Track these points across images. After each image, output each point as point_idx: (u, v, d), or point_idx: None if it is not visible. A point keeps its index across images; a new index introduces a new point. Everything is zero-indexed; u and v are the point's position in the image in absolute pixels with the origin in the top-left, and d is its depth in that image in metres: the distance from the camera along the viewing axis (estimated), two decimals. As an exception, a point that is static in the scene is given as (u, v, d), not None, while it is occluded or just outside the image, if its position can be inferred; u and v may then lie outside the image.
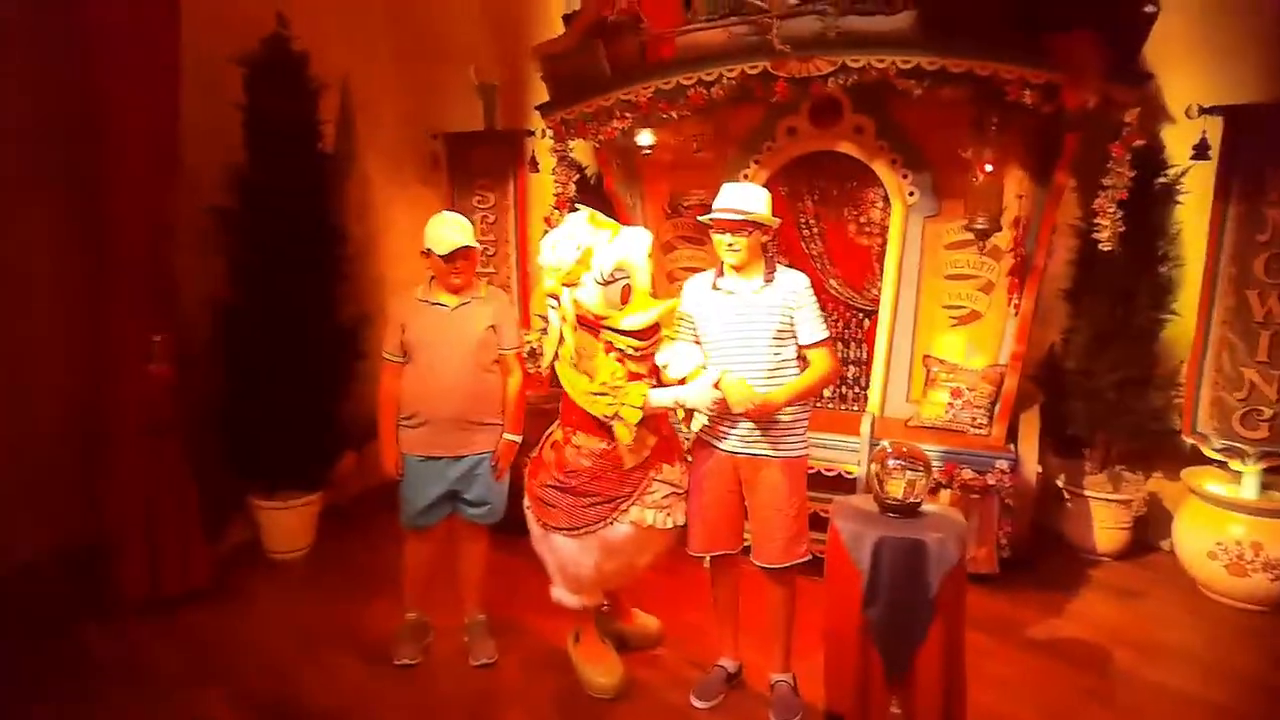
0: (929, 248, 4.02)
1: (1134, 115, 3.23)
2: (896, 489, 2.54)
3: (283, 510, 4.00)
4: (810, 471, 2.96)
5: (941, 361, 3.95)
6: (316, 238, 3.97)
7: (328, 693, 2.96)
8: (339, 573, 3.93)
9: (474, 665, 3.10)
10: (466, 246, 2.94)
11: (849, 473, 3.68)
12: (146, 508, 3.43)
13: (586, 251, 2.68)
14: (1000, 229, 3.77)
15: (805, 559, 2.76)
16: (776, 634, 2.84)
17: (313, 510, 4.11)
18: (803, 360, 2.76)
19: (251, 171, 3.81)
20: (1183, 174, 3.82)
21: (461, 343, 2.96)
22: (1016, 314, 3.74)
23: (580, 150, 4.47)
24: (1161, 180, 3.85)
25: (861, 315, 4.34)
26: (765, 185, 3.87)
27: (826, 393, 4.32)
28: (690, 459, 2.91)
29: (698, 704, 2.85)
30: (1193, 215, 3.84)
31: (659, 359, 2.78)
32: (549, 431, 2.96)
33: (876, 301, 4.14)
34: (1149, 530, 4.09)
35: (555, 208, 4.19)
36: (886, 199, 4.10)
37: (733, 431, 2.72)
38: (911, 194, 4.00)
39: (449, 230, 2.94)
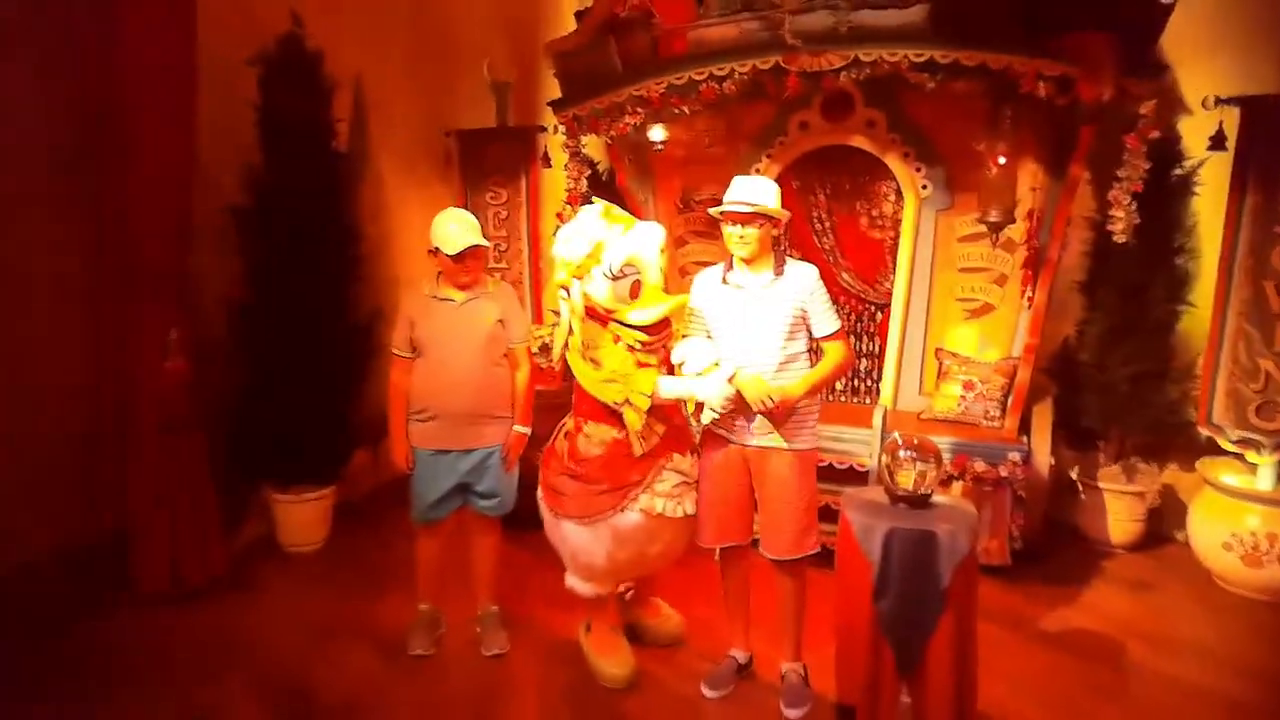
0: (942, 241, 4.02)
1: (1150, 107, 3.21)
2: (907, 480, 2.55)
3: (297, 504, 4.05)
4: (822, 464, 2.97)
5: (954, 354, 3.95)
6: (331, 236, 4.01)
7: (342, 683, 3.00)
8: (353, 567, 3.97)
9: (486, 656, 3.13)
10: (475, 245, 2.96)
11: (861, 465, 3.69)
12: (166, 501, 3.48)
13: (597, 245, 2.72)
14: (1014, 221, 3.76)
15: (815, 551, 2.78)
16: (787, 625, 2.86)
17: (327, 504, 4.16)
18: (815, 353, 2.78)
19: (266, 170, 3.86)
20: (1199, 166, 3.80)
21: (471, 337, 2.99)
22: (1030, 306, 3.74)
23: (592, 146, 4.48)
24: (1178, 172, 3.84)
25: (874, 309, 4.35)
26: (777, 180, 3.88)
27: (839, 385, 4.33)
28: (700, 451, 2.92)
29: (708, 694, 2.87)
30: (1209, 207, 3.82)
31: (674, 356, 2.79)
32: (562, 422, 2.99)
33: (889, 295, 4.14)
34: (1163, 522, 4.08)
35: (567, 203, 4.20)
36: (899, 192, 4.10)
37: (743, 424, 2.74)
38: (924, 187, 3.99)
39: (457, 229, 2.96)
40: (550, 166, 4.69)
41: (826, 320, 2.72)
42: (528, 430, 3.12)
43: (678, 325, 2.84)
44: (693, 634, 3.22)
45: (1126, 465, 4.03)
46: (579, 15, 4.09)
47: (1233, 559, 3.53)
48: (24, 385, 3.39)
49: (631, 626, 3.19)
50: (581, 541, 2.84)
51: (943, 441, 3.28)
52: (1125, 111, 3.27)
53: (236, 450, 3.88)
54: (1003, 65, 3.18)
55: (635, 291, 2.73)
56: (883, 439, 3.59)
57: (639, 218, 2.99)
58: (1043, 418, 3.76)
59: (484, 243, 3.01)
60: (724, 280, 2.80)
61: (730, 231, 2.72)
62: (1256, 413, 3.57)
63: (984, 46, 3.18)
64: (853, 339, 4.31)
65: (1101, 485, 4.00)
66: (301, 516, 4.09)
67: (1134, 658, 3.14)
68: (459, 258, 2.93)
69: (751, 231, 2.69)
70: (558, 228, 4.21)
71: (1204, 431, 3.77)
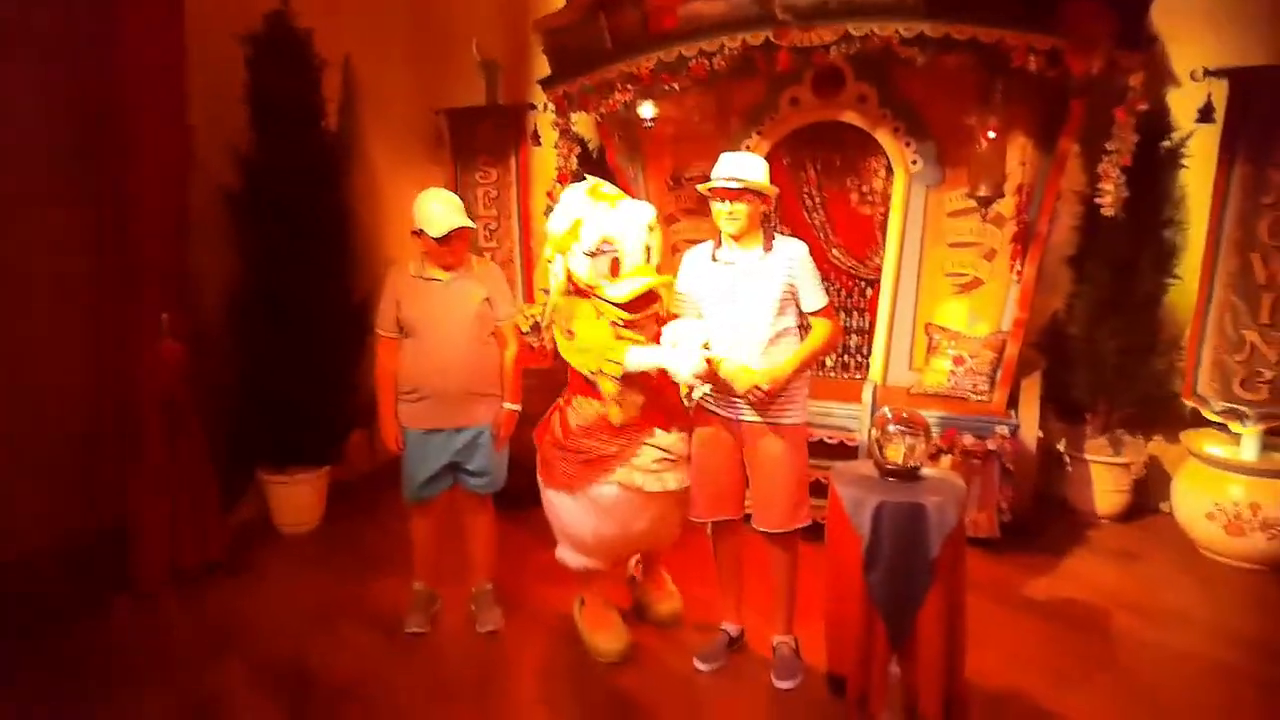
0: (931, 216, 4.02)
1: (1139, 79, 3.22)
2: (896, 454, 2.58)
3: (291, 485, 4.07)
4: (812, 439, 3.00)
5: (944, 329, 3.98)
6: (322, 215, 3.99)
7: (340, 663, 3.03)
8: (348, 548, 3.99)
9: (480, 633, 3.17)
10: (461, 227, 2.95)
11: (852, 440, 3.73)
12: (165, 486, 3.49)
13: (576, 222, 2.75)
14: (1003, 196, 3.78)
15: (806, 524, 2.81)
16: (779, 598, 2.90)
17: (321, 485, 4.17)
18: (805, 329, 2.80)
19: (256, 151, 3.83)
20: (1187, 138, 3.81)
21: (459, 316, 2.99)
22: (1019, 281, 3.76)
23: (582, 124, 4.47)
24: (1166, 144, 3.84)
25: (864, 284, 4.36)
26: (768, 156, 3.90)
27: (829, 361, 4.35)
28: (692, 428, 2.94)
29: (701, 667, 2.92)
30: (1197, 179, 3.83)
31: (664, 337, 2.79)
32: (558, 399, 3.02)
33: (879, 271, 4.15)
34: (1148, 493, 4.13)
35: (558, 181, 4.20)
36: (889, 168, 4.10)
37: (734, 398, 2.76)
38: (914, 162, 3.99)
39: (442, 210, 2.93)
40: (540, 145, 4.67)
41: (815, 296, 2.74)
42: (518, 407, 3.14)
43: (666, 304, 2.84)
44: (687, 607, 3.25)
45: (1113, 437, 4.08)
46: (568, -9, 4.06)
47: (1216, 528, 3.59)
48: (23, 382, 3.40)
49: (637, 603, 3.25)
50: (566, 513, 2.89)
51: (932, 416, 3.32)
52: (1114, 84, 3.27)
53: (232, 432, 3.89)
54: (994, 39, 3.18)
55: (614, 269, 2.74)
56: (873, 414, 3.63)
57: (630, 195, 2.98)
58: (1031, 391, 3.79)
59: (470, 224, 3.00)
60: (713, 257, 2.81)
61: (719, 208, 2.73)
62: (1241, 384, 3.62)
63: (975, 20, 3.18)
64: (843, 315, 4.33)
65: (1088, 457, 4.05)
66: (296, 498, 4.10)
67: (1121, 626, 3.20)
68: (445, 239, 2.92)
69: (740, 208, 2.69)
70: (548, 207, 4.23)
71: (1189, 403, 3.82)
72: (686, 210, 4.54)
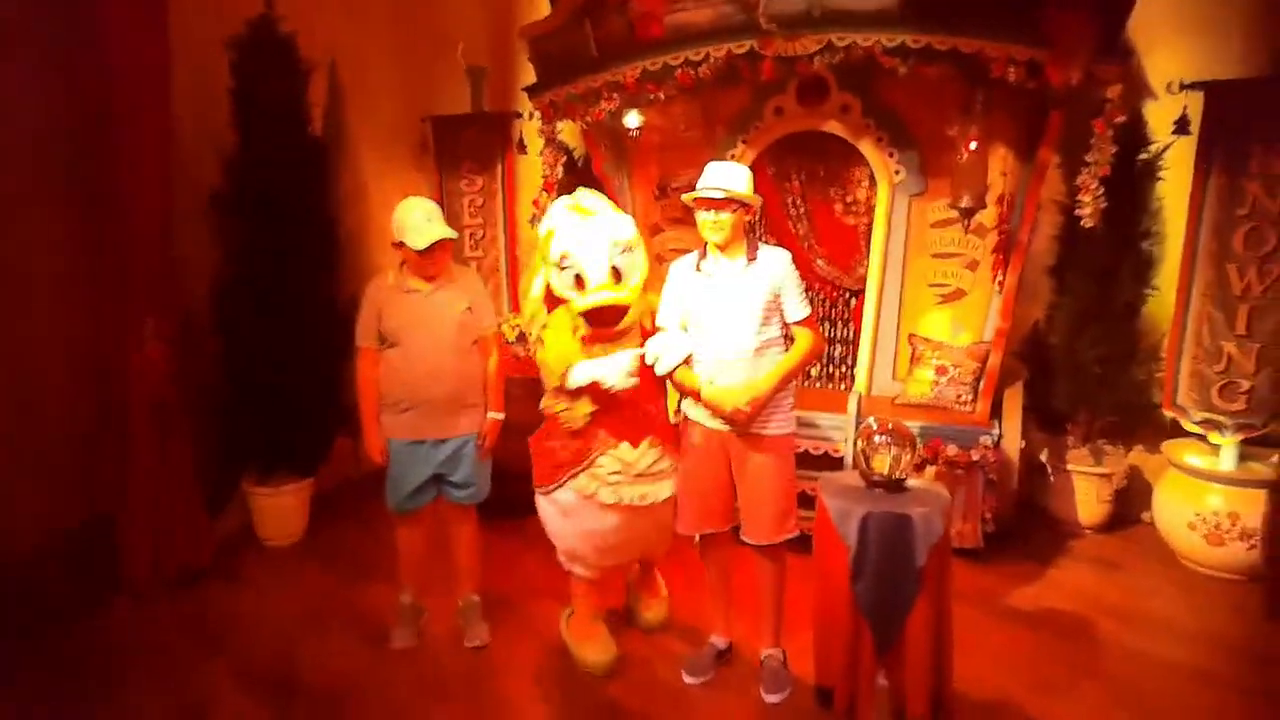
0: (915, 226, 4.05)
1: (1116, 92, 3.26)
2: (882, 464, 2.58)
3: (276, 497, 4.02)
4: (797, 450, 2.99)
5: (927, 339, 4.00)
6: (308, 221, 3.96)
7: (328, 671, 3.00)
8: (334, 558, 3.95)
9: (468, 647, 3.14)
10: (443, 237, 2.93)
11: (837, 451, 3.73)
12: (152, 492, 3.46)
13: (549, 233, 2.80)
14: (985, 206, 3.80)
15: (794, 535, 2.80)
16: (766, 610, 2.89)
17: (305, 497, 4.12)
18: (789, 338, 2.79)
19: (242, 155, 3.79)
20: (1164, 150, 3.86)
21: (442, 327, 2.97)
22: (1001, 291, 3.79)
23: (568, 132, 4.46)
24: (1143, 156, 3.89)
25: (848, 294, 4.38)
26: (753, 165, 3.90)
27: (814, 372, 4.36)
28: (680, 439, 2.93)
29: (689, 680, 2.90)
30: (1174, 190, 3.88)
31: (648, 350, 2.79)
32: None
33: (863, 281, 4.17)
34: (1130, 503, 4.16)
35: (543, 190, 4.18)
36: (872, 178, 4.12)
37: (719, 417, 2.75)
38: (897, 173, 4.02)
39: (424, 222, 2.90)
40: (526, 153, 4.65)
41: (798, 306, 2.74)
42: (501, 416, 3.12)
43: (637, 319, 2.83)
44: (674, 619, 3.25)
45: (1094, 448, 4.11)
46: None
47: (1196, 538, 3.62)
48: (17, 382, 3.36)
49: (628, 606, 3.26)
50: (542, 513, 2.95)
51: (916, 426, 3.32)
52: (1092, 96, 3.31)
53: (218, 439, 3.85)
54: (974, 50, 3.21)
55: (579, 283, 2.74)
56: (857, 424, 3.63)
57: (616, 204, 2.98)
58: (1014, 401, 3.81)
59: (452, 234, 2.98)
60: (698, 268, 2.81)
61: (704, 218, 2.73)
62: (1219, 394, 3.66)
63: (955, 31, 3.20)
64: (827, 325, 4.35)
65: (1070, 468, 4.07)
66: (280, 509, 4.05)
67: (1105, 634, 3.22)
68: (427, 250, 2.89)
69: (725, 217, 2.69)
70: (534, 215, 4.22)
71: (1169, 413, 3.86)
72: (673, 219, 4.54)
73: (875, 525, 2.44)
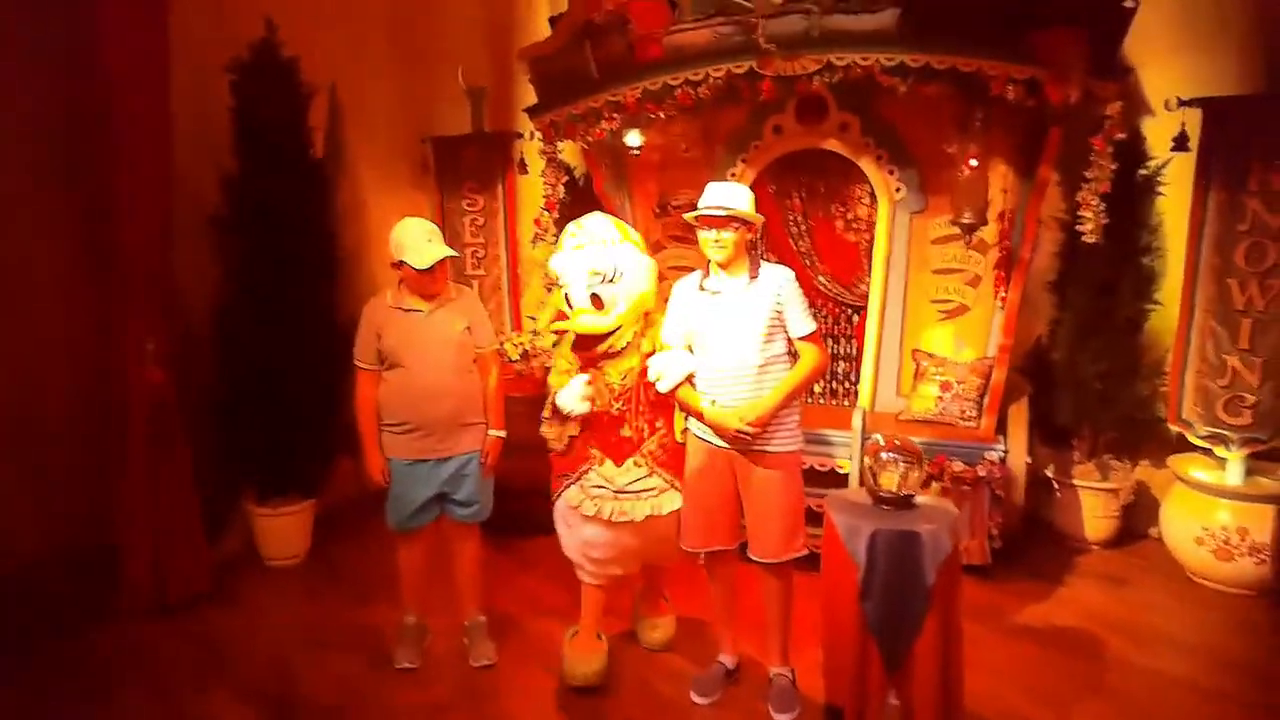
0: (916, 243, 4.05)
1: (1116, 109, 3.28)
2: (890, 481, 2.57)
3: (277, 517, 3.99)
4: (803, 467, 2.98)
5: (930, 355, 3.99)
6: (309, 243, 3.97)
7: (331, 693, 2.98)
8: (336, 578, 3.93)
9: (474, 667, 3.11)
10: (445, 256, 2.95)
11: (841, 468, 3.71)
12: (150, 514, 3.44)
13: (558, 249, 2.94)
14: (986, 223, 3.81)
15: (802, 553, 2.79)
16: (774, 629, 2.86)
17: (307, 517, 4.10)
18: (794, 355, 2.79)
19: (244, 178, 3.81)
20: (1163, 166, 3.88)
21: (442, 346, 2.97)
22: (1003, 307, 3.79)
23: (569, 151, 4.49)
24: (1142, 172, 3.91)
25: (850, 311, 4.38)
26: (753, 184, 3.92)
27: (817, 388, 4.35)
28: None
29: (697, 700, 2.87)
30: (1173, 206, 3.89)
31: (650, 370, 2.81)
32: None
33: (865, 297, 4.17)
34: (1137, 518, 4.14)
35: (545, 209, 4.20)
36: (873, 195, 4.14)
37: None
38: (898, 190, 4.03)
39: (424, 241, 2.92)
40: (526, 173, 4.67)
41: (802, 321, 2.74)
42: (503, 434, 3.12)
43: (623, 346, 2.86)
44: (682, 638, 3.22)
45: (1100, 463, 4.09)
46: (553, 21, 4.09)
47: (1205, 553, 3.60)
48: (20, 393, 3.36)
49: (633, 627, 3.26)
50: (555, 520, 3.04)
51: (921, 442, 3.29)
52: (1091, 113, 3.33)
53: (218, 461, 3.83)
54: (973, 68, 3.22)
55: (569, 302, 2.85)
56: (863, 440, 3.62)
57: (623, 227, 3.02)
58: (1018, 417, 3.81)
59: (453, 253, 3.00)
60: (701, 287, 2.81)
61: (705, 236, 2.74)
62: (1224, 408, 3.65)
63: (954, 50, 3.22)
64: (830, 341, 4.34)
65: (1076, 483, 4.06)
66: (282, 530, 4.03)
67: (1114, 651, 3.19)
68: (428, 270, 2.90)
69: (727, 236, 2.70)
70: (535, 234, 4.23)
71: (1174, 428, 3.85)
72: (674, 237, 4.54)
73: (884, 543, 2.43)
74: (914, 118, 3.88)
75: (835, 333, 4.40)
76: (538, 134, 4.14)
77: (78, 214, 3.48)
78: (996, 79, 3.21)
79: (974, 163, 3.66)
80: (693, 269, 2.97)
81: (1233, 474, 3.65)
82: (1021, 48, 3.17)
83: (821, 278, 4.40)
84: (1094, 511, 4.05)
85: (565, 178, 4.34)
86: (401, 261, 2.92)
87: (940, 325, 4.07)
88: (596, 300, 2.82)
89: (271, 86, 3.83)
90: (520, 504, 3.70)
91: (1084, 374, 3.99)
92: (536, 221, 4.23)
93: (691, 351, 2.82)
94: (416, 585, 3.20)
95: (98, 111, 3.28)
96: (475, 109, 4.84)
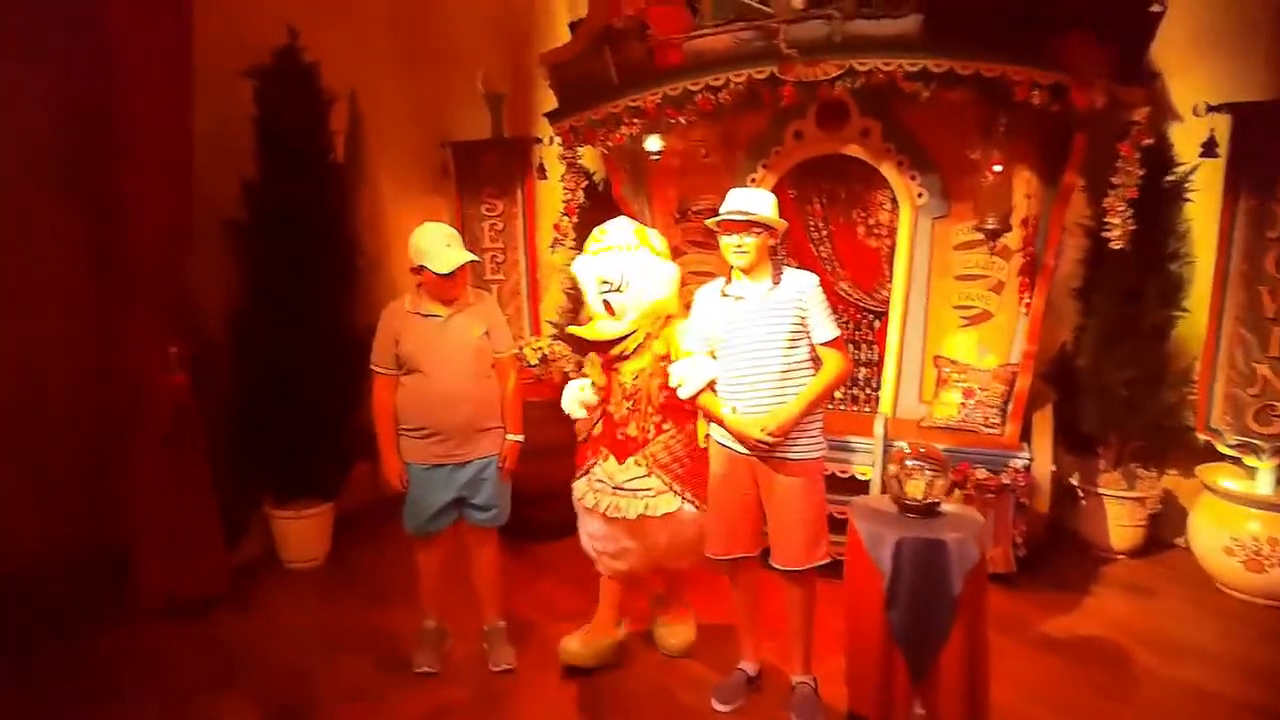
0: (938, 248, 4.02)
1: (1143, 114, 3.24)
2: (916, 489, 2.54)
3: (297, 520, 4.01)
4: (825, 473, 2.96)
5: (953, 362, 3.96)
6: (329, 248, 3.99)
7: (348, 697, 2.99)
8: (355, 581, 3.94)
9: (494, 671, 3.11)
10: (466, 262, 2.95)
11: (862, 475, 3.68)
12: (166, 517, 3.46)
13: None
14: (1010, 229, 3.78)
15: (825, 561, 2.76)
16: (797, 636, 2.84)
17: (327, 520, 4.12)
18: (818, 360, 2.77)
19: (264, 183, 3.84)
20: (1191, 172, 3.83)
21: (460, 351, 2.98)
22: (1027, 313, 3.75)
23: (588, 157, 4.49)
24: (1170, 178, 3.86)
25: (872, 316, 4.35)
26: (774, 189, 3.91)
27: (839, 394, 4.32)
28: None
29: (719, 707, 2.85)
30: (1201, 213, 3.85)
31: (672, 376, 2.81)
32: None
33: (886, 303, 4.14)
34: (1164, 527, 4.08)
35: (564, 214, 4.20)
36: (895, 201, 4.11)
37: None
38: (920, 195, 4.01)
39: (444, 246, 2.93)
40: (545, 178, 4.68)
41: (825, 327, 2.72)
42: (521, 438, 3.12)
43: (634, 349, 2.90)
44: (702, 644, 3.20)
45: (1126, 471, 4.03)
46: (573, 26, 4.10)
47: (1234, 564, 3.54)
48: (31, 396, 3.40)
49: (651, 629, 3.27)
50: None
51: (943, 449, 3.27)
52: (1117, 119, 3.29)
53: (236, 465, 3.85)
54: (996, 74, 3.19)
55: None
56: (885, 447, 3.59)
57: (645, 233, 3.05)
58: (1043, 424, 3.76)
59: (474, 258, 3.02)
60: (723, 293, 2.80)
61: (727, 242, 2.73)
62: (1254, 417, 3.59)
63: (977, 56, 3.19)
64: (852, 347, 4.31)
65: (1102, 491, 4.00)
66: (301, 532, 4.04)
67: (1140, 662, 3.14)
68: (449, 274, 2.90)
69: (749, 241, 2.69)
70: (555, 239, 4.24)
71: (1202, 436, 3.79)
72: (694, 242, 4.53)
73: (910, 551, 2.40)
74: (935, 123, 3.85)
75: (856, 338, 4.36)
76: (557, 139, 4.15)
77: (78, 214, 3.49)
78: (1021, 84, 3.18)
79: (998, 168, 3.63)
80: (712, 274, 2.97)
81: (1263, 483, 3.59)
82: (1046, 52, 3.14)
83: (843, 283, 4.37)
84: (1120, 520, 3.99)
85: (585, 183, 4.33)
86: (422, 266, 2.92)
87: (963, 331, 4.04)
88: (609, 307, 2.90)
89: (292, 92, 3.86)
90: (537, 509, 3.70)
91: (1110, 381, 3.94)
92: (556, 226, 4.23)
93: (714, 358, 2.80)
94: (435, 589, 3.20)
95: (115, 118, 3.29)
96: (495, 114, 4.85)
